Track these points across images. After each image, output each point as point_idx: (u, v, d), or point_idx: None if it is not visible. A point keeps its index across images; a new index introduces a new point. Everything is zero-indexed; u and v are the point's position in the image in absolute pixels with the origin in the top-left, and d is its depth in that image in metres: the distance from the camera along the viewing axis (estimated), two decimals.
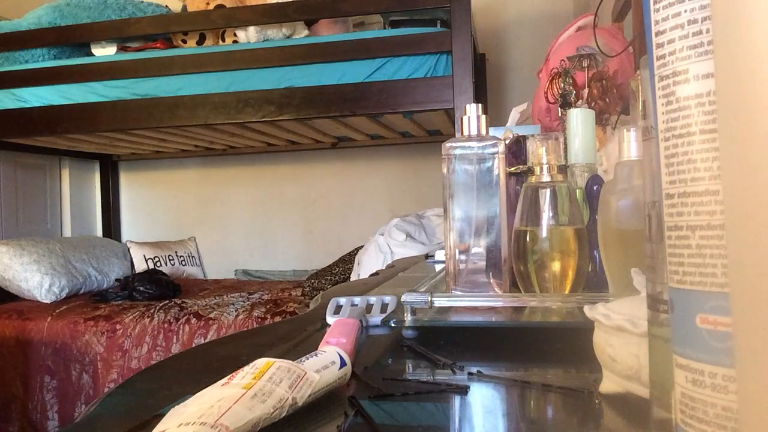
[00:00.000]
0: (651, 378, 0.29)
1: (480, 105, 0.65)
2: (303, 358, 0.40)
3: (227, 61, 2.01)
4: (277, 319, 2.09)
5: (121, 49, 2.30)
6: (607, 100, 1.09)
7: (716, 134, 0.21)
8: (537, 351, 0.53)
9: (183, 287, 2.65)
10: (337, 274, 2.45)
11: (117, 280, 2.70)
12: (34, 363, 2.14)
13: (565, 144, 0.77)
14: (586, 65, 1.17)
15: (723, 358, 0.21)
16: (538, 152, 0.64)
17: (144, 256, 3.07)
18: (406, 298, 0.57)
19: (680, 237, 0.23)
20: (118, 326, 2.13)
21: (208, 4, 2.19)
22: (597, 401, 0.38)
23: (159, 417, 0.33)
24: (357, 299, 0.69)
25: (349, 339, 0.49)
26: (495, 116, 2.67)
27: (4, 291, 2.50)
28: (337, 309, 0.66)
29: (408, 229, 2.20)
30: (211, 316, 2.13)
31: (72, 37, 2.23)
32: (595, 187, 0.68)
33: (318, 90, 1.93)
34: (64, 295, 2.51)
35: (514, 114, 1.38)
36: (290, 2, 1.99)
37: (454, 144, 0.64)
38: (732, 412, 0.21)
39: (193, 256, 3.26)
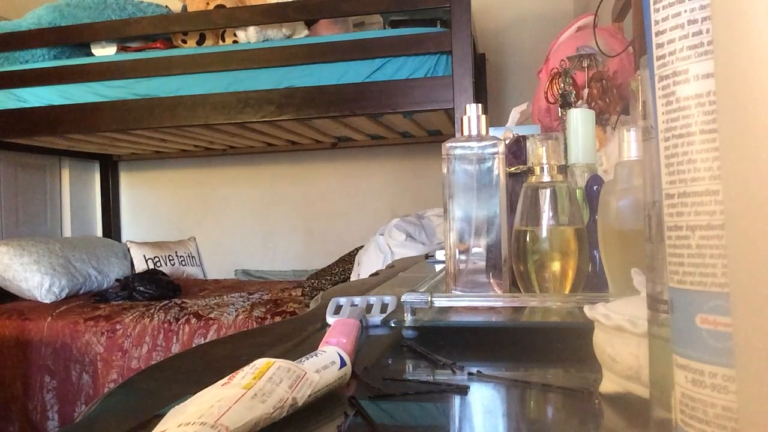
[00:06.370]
0: (651, 378, 0.29)
1: (480, 105, 0.65)
2: (303, 358, 0.40)
3: (227, 61, 2.01)
4: (277, 319, 2.09)
5: (121, 49, 2.30)
6: (607, 100, 1.09)
7: (716, 134, 0.21)
8: (537, 351, 0.53)
9: (183, 287, 2.65)
10: (337, 274, 2.45)
11: (117, 280, 2.70)
12: (34, 363, 2.14)
13: (565, 144, 0.77)
14: (586, 65, 1.17)
15: (723, 358, 0.21)
16: (538, 152, 0.64)
17: (144, 256, 3.07)
18: (406, 298, 0.57)
19: (680, 237, 0.23)
20: (118, 326, 2.13)
21: (208, 4, 2.19)
22: (597, 401, 0.38)
23: (159, 417, 0.33)
24: (357, 299, 0.69)
25: (349, 339, 0.49)
26: (495, 116, 2.67)
27: (4, 291, 2.50)
28: (337, 309, 0.66)
29: (408, 229, 2.20)
30: (211, 316, 2.13)
31: (72, 37, 2.23)
32: (595, 187, 0.68)
33: (318, 90, 1.93)
34: (64, 295, 2.51)
35: (514, 114, 1.38)
36: (290, 2, 1.99)
37: (454, 144, 0.64)
38: (732, 412, 0.21)
39: (193, 256, 3.26)
